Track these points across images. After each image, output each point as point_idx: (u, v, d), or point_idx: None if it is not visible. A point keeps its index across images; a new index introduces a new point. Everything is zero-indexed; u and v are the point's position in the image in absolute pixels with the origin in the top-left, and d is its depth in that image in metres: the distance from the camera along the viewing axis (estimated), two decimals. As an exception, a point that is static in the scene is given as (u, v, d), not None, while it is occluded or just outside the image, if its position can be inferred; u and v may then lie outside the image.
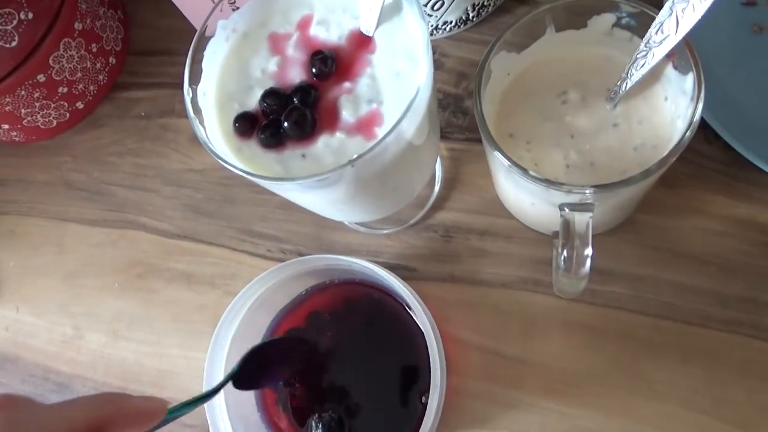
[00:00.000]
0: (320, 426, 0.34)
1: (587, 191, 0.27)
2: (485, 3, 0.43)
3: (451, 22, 0.44)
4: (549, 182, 0.28)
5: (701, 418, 0.34)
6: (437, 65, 0.45)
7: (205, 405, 0.33)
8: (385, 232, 0.42)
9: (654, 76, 0.31)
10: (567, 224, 0.29)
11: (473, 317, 0.39)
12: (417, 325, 0.35)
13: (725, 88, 0.39)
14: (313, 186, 0.28)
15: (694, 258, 0.37)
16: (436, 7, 0.42)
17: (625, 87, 0.31)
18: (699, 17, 0.27)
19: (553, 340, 0.37)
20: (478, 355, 0.38)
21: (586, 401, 0.36)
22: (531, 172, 0.28)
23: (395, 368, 0.36)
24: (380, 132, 0.28)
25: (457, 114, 0.44)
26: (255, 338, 0.39)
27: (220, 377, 0.34)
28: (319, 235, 0.43)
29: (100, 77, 0.51)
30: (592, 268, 0.37)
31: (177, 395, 0.41)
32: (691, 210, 0.38)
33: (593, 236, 0.38)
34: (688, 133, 0.28)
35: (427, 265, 0.41)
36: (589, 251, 0.29)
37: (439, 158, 0.43)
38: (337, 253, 0.43)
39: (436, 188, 0.42)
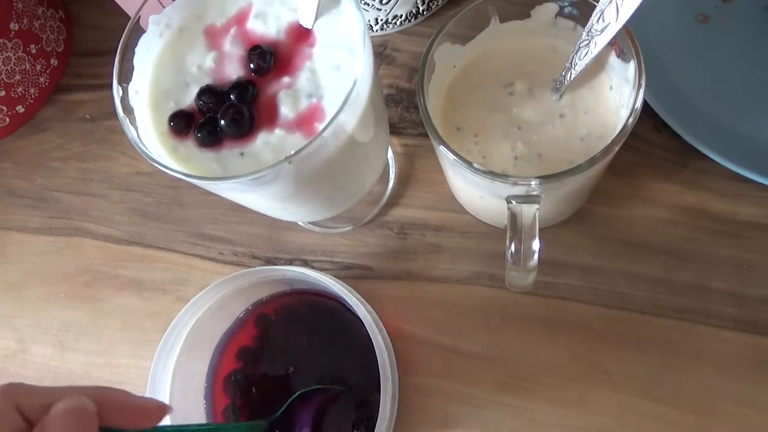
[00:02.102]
0: None
1: (532, 182, 0.27)
2: (435, -4, 0.43)
3: (401, 16, 0.43)
4: (493, 174, 0.27)
5: (658, 407, 0.34)
6: (389, 60, 0.45)
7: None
8: (339, 231, 0.42)
9: (599, 65, 0.31)
10: (514, 217, 0.28)
11: (430, 315, 0.38)
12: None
13: (672, 77, 0.39)
14: (253, 185, 0.27)
15: (645, 247, 0.37)
16: (384, 1, 0.42)
17: (570, 77, 0.31)
18: (638, 4, 0.26)
19: (510, 335, 0.37)
20: (436, 353, 0.37)
21: (543, 395, 0.35)
22: (475, 165, 0.28)
23: (350, 373, 0.35)
24: (321, 127, 0.27)
25: (410, 109, 0.43)
26: (208, 346, 0.37)
27: (164, 388, 0.33)
28: (272, 237, 0.42)
29: (41, 79, 0.49)
30: (546, 260, 0.38)
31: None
32: (641, 199, 0.38)
33: (545, 229, 0.38)
34: (630, 121, 0.28)
35: (383, 264, 0.40)
36: (536, 244, 0.28)
37: (392, 154, 0.43)
38: (291, 253, 0.42)
39: (390, 185, 0.42)
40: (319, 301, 0.37)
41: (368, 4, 0.42)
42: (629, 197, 0.38)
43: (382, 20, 0.43)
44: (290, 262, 0.41)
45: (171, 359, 0.34)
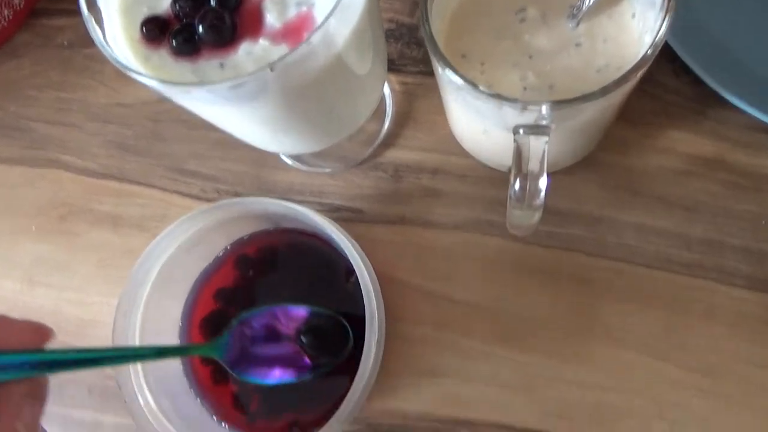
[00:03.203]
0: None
1: (543, 108, 0.24)
2: None
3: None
4: (501, 98, 0.25)
5: (660, 364, 0.32)
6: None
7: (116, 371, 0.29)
8: (329, 171, 0.39)
9: (616, -10, 0.28)
10: (520, 150, 0.26)
11: (423, 261, 0.36)
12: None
13: (696, 16, 0.36)
14: (234, 99, 0.25)
15: (657, 198, 0.34)
16: None
17: (588, 3, 0.28)
18: None
19: (507, 285, 0.35)
20: (428, 301, 0.35)
21: (540, 348, 0.33)
22: (481, 87, 0.25)
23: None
24: (310, 39, 0.25)
25: (410, 45, 0.40)
26: (183, 285, 0.35)
27: (133, 326, 0.31)
28: (258, 175, 0.40)
29: (16, 1, 0.46)
30: (550, 209, 0.35)
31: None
32: (655, 148, 0.35)
33: (551, 174, 0.35)
34: (655, 45, 0.25)
35: (375, 207, 0.38)
36: (544, 180, 0.26)
37: (389, 91, 0.40)
38: (278, 193, 0.39)
39: (386, 124, 0.39)
40: (305, 241, 0.35)
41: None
42: (643, 146, 0.35)
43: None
44: (277, 202, 0.39)
45: (141, 295, 0.32)
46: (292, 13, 0.25)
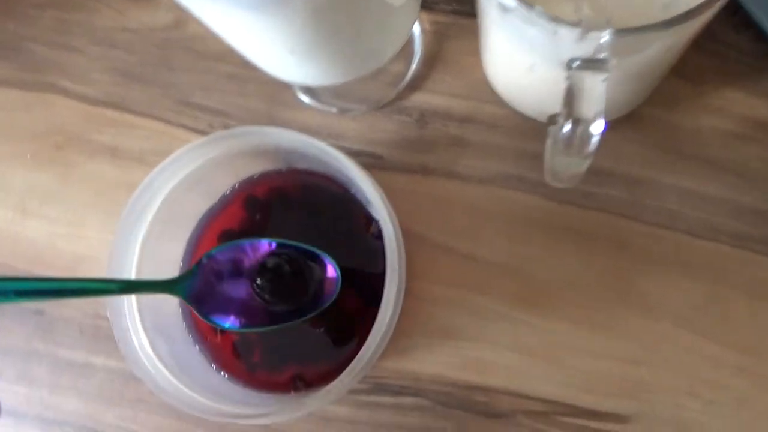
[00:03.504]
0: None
1: (605, 35, 0.21)
2: None
3: None
4: (559, 21, 0.22)
5: (697, 339, 0.30)
6: None
7: (109, 305, 0.27)
8: (350, 112, 0.36)
9: None
10: (574, 88, 0.23)
11: (445, 215, 0.33)
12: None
13: None
14: (259, 3, 0.22)
15: (706, 162, 0.32)
16: None
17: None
18: None
19: (535, 245, 0.32)
20: (447, 258, 0.33)
21: (566, 314, 0.31)
22: (537, 7, 0.22)
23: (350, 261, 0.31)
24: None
25: (445, -19, 0.37)
26: (185, 224, 0.32)
27: (129, 266, 0.28)
28: (272, 113, 0.37)
29: None
30: (590, 167, 0.32)
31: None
32: (708, 107, 0.32)
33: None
34: None
35: (396, 153, 0.35)
36: (600, 123, 0.23)
37: (419, 31, 0.36)
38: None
39: (414, 65, 0.36)
40: (320, 185, 0.32)
41: None
42: (694, 104, 0.32)
43: None
44: (290, 143, 0.36)
45: (138, 231, 0.29)
46: None
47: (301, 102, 0.36)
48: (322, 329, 0.31)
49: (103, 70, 0.40)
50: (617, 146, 0.32)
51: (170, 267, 0.32)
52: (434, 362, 0.31)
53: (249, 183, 0.33)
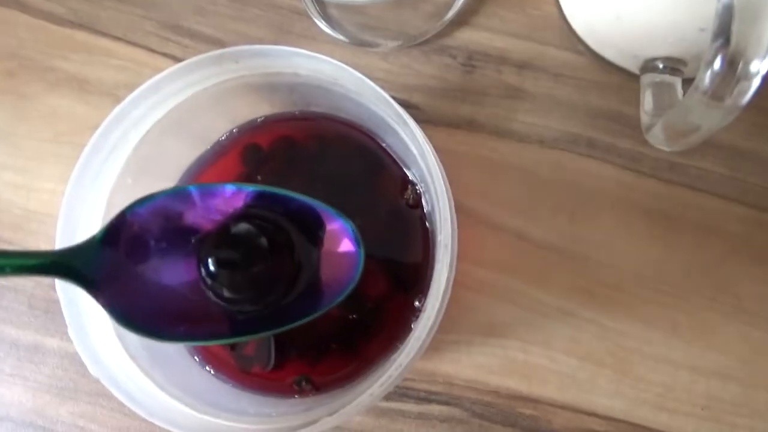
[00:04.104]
0: None
1: None
2: None
3: None
4: None
5: (802, 354, 0.24)
6: None
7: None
8: (380, 47, 0.29)
9: None
10: (730, 9, 0.16)
11: (495, 181, 0.27)
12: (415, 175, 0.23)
13: None
14: None
15: (828, 134, 0.25)
16: None
17: None
18: None
19: (604, 227, 0.26)
20: (496, 237, 0.26)
21: (640, 313, 0.25)
22: None
23: (381, 241, 0.24)
24: None
25: None
26: (168, 177, 0.25)
27: (87, 227, 0.21)
28: (280, 44, 0.29)
29: None
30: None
31: (47, 246, 0.28)
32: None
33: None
34: None
35: (437, 103, 0.28)
36: (755, 68, 0.16)
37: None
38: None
39: (464, -9, 0.29)
40: (343, 133, 0.25)
41: None
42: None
43: None
44: (302, 84, 0.29)
45: (102, 186, 0.22)
46: None
47: (319, 31, 0.29)
48: (337, 317, 0.24)
49: (70, -19, 0.32)
50: (714, 108, 0.26)
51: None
52: (473, 364, 0.25)
53: (251, 128, 0.26)
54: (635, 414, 0.24)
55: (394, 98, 0.29)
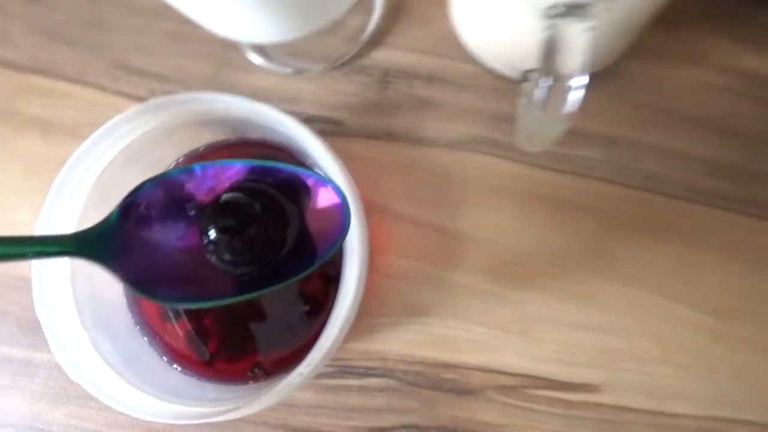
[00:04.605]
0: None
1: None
2: None
3: None
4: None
5: (672, 305, 0.29)
6: None
7: (36, 299, 0.24)
8: (304, 71, 0.33)
9: None
10: (554, 39, 0.20)
11: (411, 183, 0.31)
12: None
13: None
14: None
15: (686, 118, 0.30)
16: None
17: None
18: None
19: (507, 213, 0.30)
20: (413, 229, 0.30)
21: (539, 285, 0.29)
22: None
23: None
24: None
25: None
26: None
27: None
28: (218, 76, 0.33)
29: None
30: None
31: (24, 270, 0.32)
32: (690, 58, 0.30)
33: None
34: None
35: (357, 117, 0.32)
36: (583, 80, 0.20)
37: (378, -22, 0.33)
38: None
39: (374, 17, 0.32)
40: (271, 155, 0.29)
41: None
42: (675, 55, 0.30)
43: None
44: (240, 109, 0.33)
45: (69, 217, 0.26)
46: None
47: (252, 63, 0.33)
48: (283, 311, 0.29)
49: (25, 31, 0.35)
50: (593, 104, 0.30)
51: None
52: (401, 341, 0.30)
53: (194, 156, 0.30)
54: (538, 369, 0.29)
55: (320, 117, 0.33)
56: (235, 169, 0.20)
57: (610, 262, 0.29)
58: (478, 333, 0.29)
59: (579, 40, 0.20)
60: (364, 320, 0.30)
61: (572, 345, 0.29)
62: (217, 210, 0.19)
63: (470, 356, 0.29)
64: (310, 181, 0.20)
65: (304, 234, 0.21)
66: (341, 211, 0.19)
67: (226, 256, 0.19)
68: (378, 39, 0.32)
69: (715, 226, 0.29)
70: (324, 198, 0.20)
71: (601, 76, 0.30)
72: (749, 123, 0.29)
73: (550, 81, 0.20)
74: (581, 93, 0.20)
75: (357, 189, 0.25)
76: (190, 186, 0.20)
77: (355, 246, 0.23)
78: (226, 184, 0.20)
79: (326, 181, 0.20)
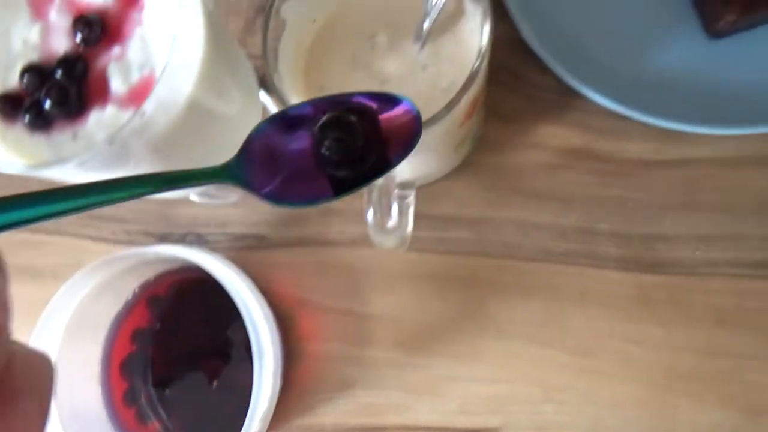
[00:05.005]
0: None
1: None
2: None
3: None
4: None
5: (545, 351, 0.34)
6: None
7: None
8: (231, 200, 0.40)
9: (459, 9, 0.30)
10: (370, 188, 0.27)
11: (325, 279, 0.38)
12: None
13: (550, 11, 0.37)
14: (103, 165, 0.26)
15: (533, 194, 0.36)
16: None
17: (428, 25, 0.29)
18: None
19: (404, 294, 0.37)
20: (332, 318, 0.37)
21: (437, 350, 0.36)
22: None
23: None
24: (156, 100, 0.26)
25: (297, 67, 0.41)
26: (96, 331, 0.37)
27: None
28: (164, 212, 0.41)
29: None
30: (436, 215, 0.37)
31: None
32: (528, 144, 0.37)
33: (434, 183, 0.37)
34: (482, 56, 0.26)
35: (277, 231, 0.39)
36: (394, 208, 0.27)
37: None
38: (184, 228, 0.40)
39: (280, 149, 0.40)
40: (208, 277, 0.36)
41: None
42: (516, 143, 0.37)
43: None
44: (184, 237, 0.40)
45: (51, 346, 0.33)
46: (135, 77, 0.26)
47: (188, 199, 0.41)
48: (233, 403, 0.35)
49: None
50: (458, 192, 0.37)
51: (89, 370, 0.36)
52: (335, 413, 0.36)
53: (148, 285, 0.37)
54: (448, 420, 0.35)
55: (247, 235, 0.40)
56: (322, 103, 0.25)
57: (491, 322, 0.35)
58: (396, 397, 0.35)
59: (385, 178, 0.27)
60: (304, 399, 0.36)
61: (471, 396, 0.35)
62: (328, 125, 0.23)
63: (392, 418, 0.35)
64: (385, 102, 0.24)
65: (380, 145, 0.24)
66: (414, 121, 0.24)
67: (336, 159, 0.23)
68: (286, 165, 0.40)
69: (570, 279, 0.35)
70: (401, 113, 0.24)
71: (463, 171, 0.37)
72: (582, 190, 0.36)
73: (373, 209, 0.27)
74: (397, 215, 0.27)
75: (267, 292, 0.32)
76: (293, 119, 0.24)
77: (264, 349, 0.30)
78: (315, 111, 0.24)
79: (401, 98, 0.24)
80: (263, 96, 0.32)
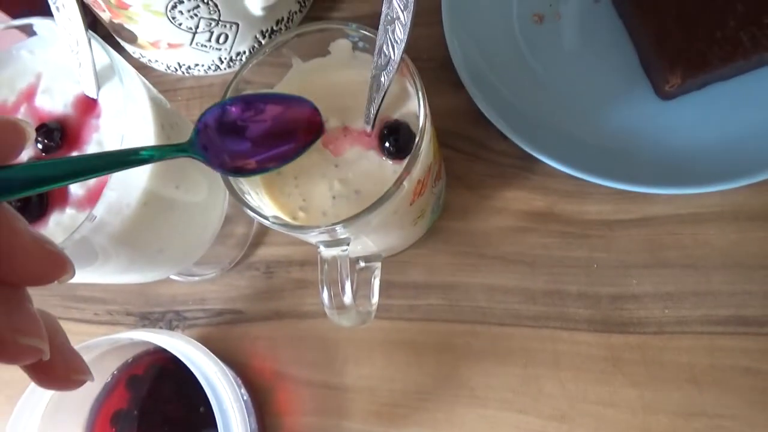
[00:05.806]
0: None
1: (337, 227, 0.27)
2: (275, 28, 0.42)
3: (244, 53, 0.43)
4: (287, 227, 0.27)
5: (521, 417, 0.34)
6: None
7: None
8: (208, 277, 0.41)
9: (403, 92, 0.31)
10: (323, 262, 0.28)
11: (300, 351, 0.38)
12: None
13: (503, 82, 0.38)
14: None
15: (500, 258, 0.37)
16: (221, 41, 0.41)
17: (374, 109, 0.30)
18: (407, 35, 0.26)
19: (378, 363, 0.37)
20: (308, 390, 0.37)
21: (413, 419, 0.35)
22: (270, 219, 0.27)
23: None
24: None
25: (269, 143, 0.43)
26: (77, 415, 0.37)
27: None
28: (144, 291, 0.42)
29: None
30: (407, 283, 0.38)
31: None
32: (492, 210, 0.38)
33: (404, 252, 0.38)
34: (416, 142, 0.27)
35: (253, 305, 0.40)
36: (348, 288, 0.28)
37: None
38: (164, 306, 0.41)
39: (254, 225, 0.41)
40: (170, 360, 0.37)
41: (206, 47, 0.41)
42: (482, 209, 0.38)
43: (226, 59, 0.43)
44: (163, 315, 0.41)
45: (30, 429, 0.34)
46: (93, 180, 0.28)
47: (167, 278, 0.42)
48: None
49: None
50: (428, 260, 0.38)
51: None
52: (314, 486, 0.36)
53: (126, 366, 0.38)
54: (424, 493, 0.34)
55: (225, 310, 0.41)
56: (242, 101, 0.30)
57: (465, 389, 0.35)
58: (371, 470, 0.35)
59: (337, 261, 0.27)
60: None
61: (446, 467, 0.34)
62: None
63: (369, 491, 0.35)
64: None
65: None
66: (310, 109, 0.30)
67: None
68: (259, 239, 0.41)
69: (542, 343, 0.35)
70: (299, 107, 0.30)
71: (431, 239, 0.38)
72: (547, 252, 0.36)
73: (327, 290, 0.28)
74: (350, 296, 0.28)
75: (240, 368, 0.32)
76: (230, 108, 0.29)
77: (234, 428, 0.30)
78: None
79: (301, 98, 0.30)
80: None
